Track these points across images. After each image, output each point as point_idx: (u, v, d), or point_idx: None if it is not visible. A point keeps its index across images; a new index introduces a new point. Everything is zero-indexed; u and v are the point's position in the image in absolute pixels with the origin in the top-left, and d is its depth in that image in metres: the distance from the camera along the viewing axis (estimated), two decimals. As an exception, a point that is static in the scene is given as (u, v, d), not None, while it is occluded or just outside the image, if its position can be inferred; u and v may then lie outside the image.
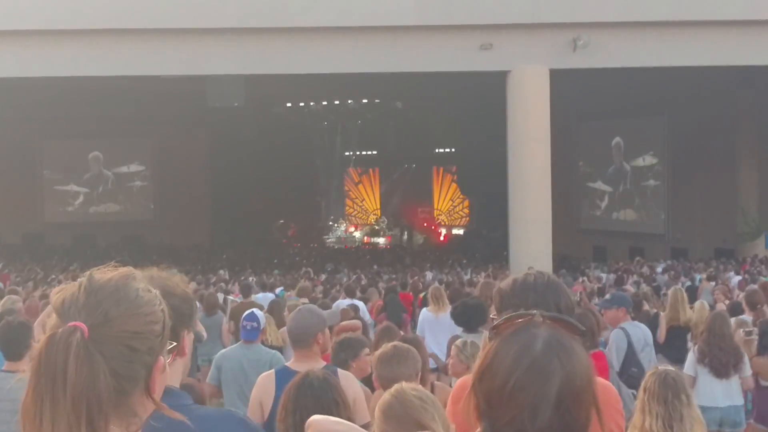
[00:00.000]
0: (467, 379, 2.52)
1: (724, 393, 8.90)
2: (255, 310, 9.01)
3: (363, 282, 24.38)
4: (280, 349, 11.02)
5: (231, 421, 2.44)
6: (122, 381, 1.87)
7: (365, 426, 4.61)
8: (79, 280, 1.99)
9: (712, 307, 13.35)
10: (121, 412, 1.89)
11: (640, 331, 9.42)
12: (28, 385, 1.83)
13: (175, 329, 2.62)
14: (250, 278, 26.19)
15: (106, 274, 2.00)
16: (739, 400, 9.03)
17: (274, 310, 12.59)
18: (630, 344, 9.19)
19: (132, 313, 1.92)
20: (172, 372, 2.23)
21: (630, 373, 8.56)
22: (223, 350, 8.99)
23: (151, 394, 1.95)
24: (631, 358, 9.10)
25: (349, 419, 4.34)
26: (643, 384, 5.78)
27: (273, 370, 6.24)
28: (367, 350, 7.10)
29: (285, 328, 10.85)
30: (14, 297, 12.46)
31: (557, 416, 2.01)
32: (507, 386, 2.02)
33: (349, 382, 5.43)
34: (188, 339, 2.66)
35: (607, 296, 9.90)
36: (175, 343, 2.08)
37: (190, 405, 2.55)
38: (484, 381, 2.08)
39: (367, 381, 6.55)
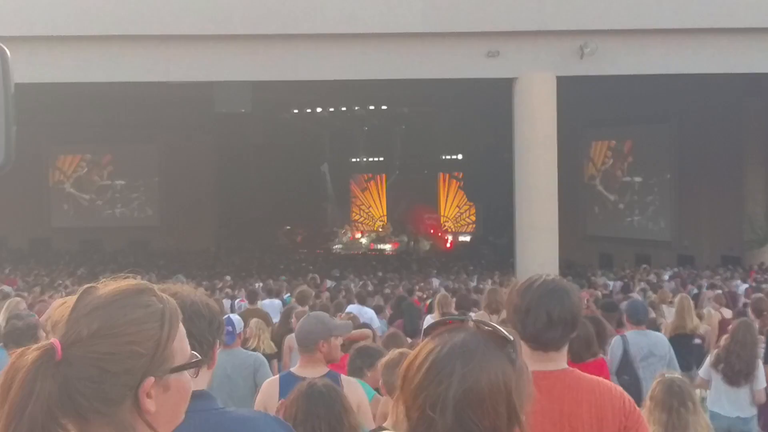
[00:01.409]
0: None
1: (731, 403, 8.85)
2: (230, 315, 9.09)
3: (369, 288, 24.38)
4: (274, 357, 11.07)
5: (269, 420, 2.49)
6: (93, 401, 1.83)
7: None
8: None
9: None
10: (116, 427, 1.87)
11: (645, 340, 9.32)
12: None
13: (210, 342, 2.68)
14: (257, 284, 26.19)
15: (105, 287, 1.95)
16: (748, 412, 8.94)
17: (285, 316, 12.61)
18: (626, 352, 9.12)
19: (107, 334, 1.87)
20: (198, 381, 2.23)
21: (621, 380, 8.53)
22: None
23: (142, 414, 1.90)
24: (625, 366, 9.05)
25: (353, 426, 4.35)
26: (649, 392, 5.78)
27: (277, 376, 6.25)
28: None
29: (292, 334, 10.93)
30: (17, 299, 12.49)
31: (457, 419, 2.03)
32: (412, 386, 2.09)
33: (352, 388, 5.43)
34: (217, 351, 2.70)
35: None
36: (200, 357, 2.05)
37: (223, 408, 2.58)
38: (406, 379, 2.14)
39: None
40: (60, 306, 1.95)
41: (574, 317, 3.54)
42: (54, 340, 1.84)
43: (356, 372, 6.69)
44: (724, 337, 9.34)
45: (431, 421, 2.04)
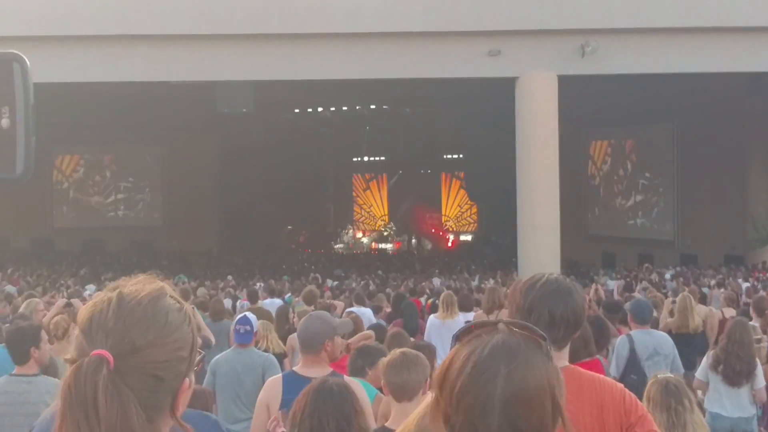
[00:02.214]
0: None
1: (732, 403, 8.83)
2: (247, 313, 9.06)
3: (371, 288, 24.39)
4: (283, 356, 11.04)
5: (207, 422, 2.49)
6: (148, 410, 1.84)
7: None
8: (108, 296, 1.94)
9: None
10: None
11: (650, 340, 9.32)
12: (60, 416, 1.80)
13: None
14: (258, 284, 26.20)
15: (136, 292, 1.95)
16: (749, 411, 8.94)
17: (280, 316, 12.59)
18: (633, 351, 9.12)
19: (160, 342, 1.89)
20: None
21: (628, 380, 8.52)
22: (218, 355, 9.01)
23: (175, 414, 1.93)
24: (632, 365, 9.05)
25: (363, 429, 4.35)
26: (645, 393, 5.78)
27: (280, 375, 6.25)
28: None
29: (295, 334, 10.91)
30: (36, 300, 12.46)
31: (506, 419, 2.03)
32: (455, 390, 2.06)
33: (357, 389, 5.44)
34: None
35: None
36: (203, 354, 2.06)
37: None
38: (444, 388, 2.12)
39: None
40: (87, 308, 1.95)
41: (577, 317, 3.55)
42: (103, 352, 1.82)
43: (358, 371, 6.69)
44: (720, 337, 9.32)
45: (478, 424, 2.04)
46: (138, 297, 1.93)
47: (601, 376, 3.68)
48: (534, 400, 2.06)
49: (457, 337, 2.21)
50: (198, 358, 2.02)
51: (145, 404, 1.83)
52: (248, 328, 8.55)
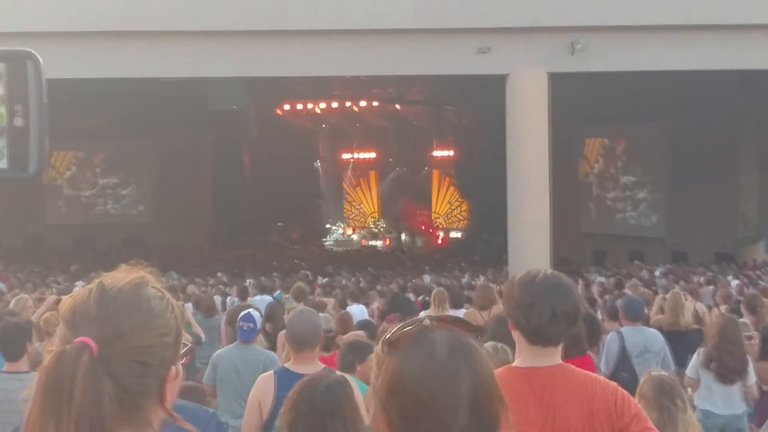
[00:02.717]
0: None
1: (724, 401, 8.83)
2: (251, 310, 9.05)
3: (362, 285, 24.38)
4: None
5: (203, 416, 2.50)
6: (134, 397, 1.84)
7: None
8: (89, 287, 1.95)
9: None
10: (136, 425, 1.86)
11: (640, 337, 9.32)
12: (34, 402, 1.79)
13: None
14: (248, 281, 26.16)
15: (117, 280, 1.96)
16: (741, 409, 8.94)
17: (273, 314, 12.58)
18: (623, 348, 9.12)
19: (144, 327, 1.89)
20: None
21: (619, 377, 8.52)
22: (220, 350, 9.00)
23: (164, 403, 1.93)
24: (623, 362, 9.05)
25: (356, 425, 4.34)
26: (638, 390, 5.78)
27: (273, 372, 6.24)
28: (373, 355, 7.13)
29: (283, 331, 10.88)
30: (25, 297, 12.46)
31: (473, 416, 2.04)
32: (420, 397, 2.03)
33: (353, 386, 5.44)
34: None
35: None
36: (190, 345, 2.06)
37: None
38: (395, 397, 2.08)
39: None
40: (68, 300, 1.95)
41: (577, 312, 3.55)
42: (85, 339, 1.82)
43: (348, 367, 6.69)
44: (711, 335, 9.31)
45: (450, 425, 2.03)
46: (119, 285, 1.94)
47: (594, 375, 3.69)
48: (493, 391, 2.08)
49: (391, 343, 2.18)
50: (184, 349, 2.02)
51: (132, 390, 1.84)
52: (251, 325, 8.55)
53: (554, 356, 3.52)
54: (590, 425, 3.37)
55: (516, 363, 3.51)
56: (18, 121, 2.04)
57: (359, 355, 6.96)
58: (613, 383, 3.55)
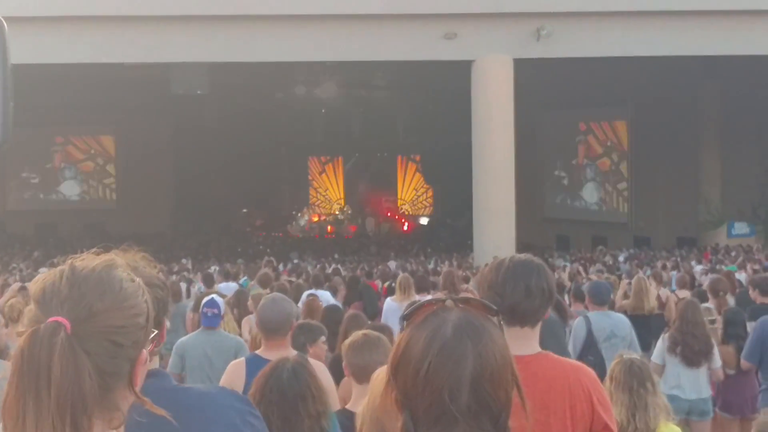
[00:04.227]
0: None
1: (691, 385, 8.85)
2: (215, 296, 8.99)
3: (328, 271, 24.36)
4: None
5: (227, 393, 2.47)
6: (106, 377, 1.81)
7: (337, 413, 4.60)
8: (59, 268, 1.91)
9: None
10: (105, 407, 1.83)
11: (607, 321, 9.34)
12: (9, 383, 1.75)
13: (158, 317, 2.65)
14: (213, 267, 26.07)
15: (87, 262, 1.93)
16: (706, 392, 8.98)
17: (240, 300, 12.53)
18: (590, 332, 9.13)
19: (116, 306, 1.86)
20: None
21: (586, 360, 8.52)
22: (183, 338, 8.92)
23: (134, 387, 1.91)
24: (589, 346, 9.07)
25: (319, 410, 4.31)
26: (609, 372, 5.79)
27: (243, 358, 6.21)
28: (323, 338, 7.17)
29: (250, 317, 10.81)
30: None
31: (475, 397, 2.01)
32: (421, 372, 2.02)
33: (320, 370, 5.41)
34: (165, 326, 2.66)
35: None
36: (157, 332, 2.03)
37: (178, 385, 2.55)
38: (400, 371, 2.07)
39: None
40: (39, 281, 1.91)
41: (551, 288, 3.54)
42: (59, 318, 1.79)
43: (300, 348, 6.66)
44: (672, 319, 9.34)
45: (446, 405, 2.01)
46: (90, 266, 1.91)
47: (574, 362, 3.67)
48: (501, 374, 2.05)
49: (406, 317, 2.17)
50: (152, 335, 1.99)
51: (104, 370, 1.81)
52: (216, 311, 8.49)
53: (533, 342, 3.50)
54: (571, 415, 3.36)
55: (494, 350, 3.48)
56: None
57: (310, 336, 6.99)
58: (592, 372, 3.53)
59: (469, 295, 2.52)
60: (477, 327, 2.08)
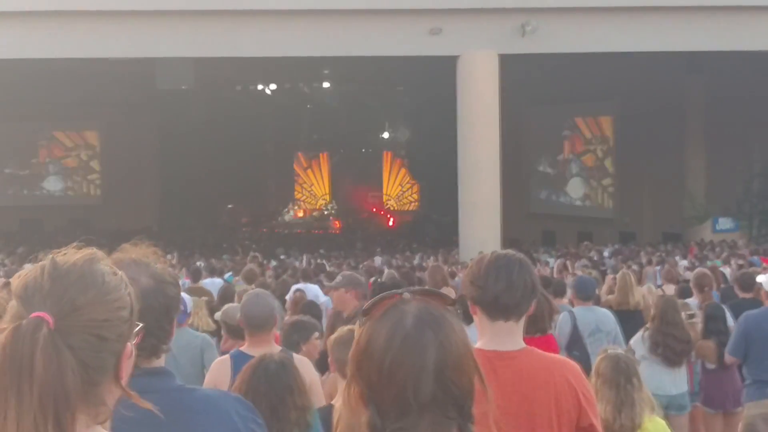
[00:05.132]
0: None
1: (672, 382, 8.88)
2: (183, 293, 8.93)
3: (312, 266, 24.33)
4: (213, 334, 10.94)
5: (230, 398, 2.47)
6: (91, 372, 1.80)
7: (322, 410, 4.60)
8: (41, 263, 1.90)
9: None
10: (90, 402, 1.82)
11: (592, 316, 9.35)
12: None
13: (170, 315, 2.65)
14: (198, 263, 26.01)
15: (69, 257, 1.92)
16: (684, 387, 9.02)
17: (226, 296, 12.49)
18: (575, 327, 9.15)
19: (100, 300, 1.85)
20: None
21: (572, 355, 8.54)
22: None
23: (119, 381, 1.89)
24: (574, 341, 9.08)
25: (305, 404, 4.31)
26: (595, 368, 5.79)
27: (228, 355, 6.20)
28: (317, 334, 7.13)
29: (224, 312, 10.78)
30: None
31: (439, 386, 2.03)
32: (384, 365, 2.04)
33: (304, 365, 5.40)
34: (175, 324, 2.68)
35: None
36: (141, 324, 2.02)
37: (183, 386, 2.55)
38: (363, 366, 2.09)
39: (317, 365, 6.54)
40: (20, 277, 1.90)
41: (534, 281, 3.54)
42: (42, 314, 1.78)
43: (293, 346, 6.66)
44: (651, 317, 9.32)
45: (411, 396, 2.02)
46: (72, 260, 1.91)
47: (559, 357, 3.68)
48: (463, 362, 2.08)
49: (366, 312, 2.18)
50: (137, 328, 1.99)
51: (89, 364, 1.80)
52: (182, 308, 8.44)
53: (517, 337, 3.50)
54: (557, 410, 3.36)
55: (479, 345, 3.47)
56: None
57: (304, 334, 6.97)
58: (577, 367, 3.54)
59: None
60: (437, 317, 2.10)
